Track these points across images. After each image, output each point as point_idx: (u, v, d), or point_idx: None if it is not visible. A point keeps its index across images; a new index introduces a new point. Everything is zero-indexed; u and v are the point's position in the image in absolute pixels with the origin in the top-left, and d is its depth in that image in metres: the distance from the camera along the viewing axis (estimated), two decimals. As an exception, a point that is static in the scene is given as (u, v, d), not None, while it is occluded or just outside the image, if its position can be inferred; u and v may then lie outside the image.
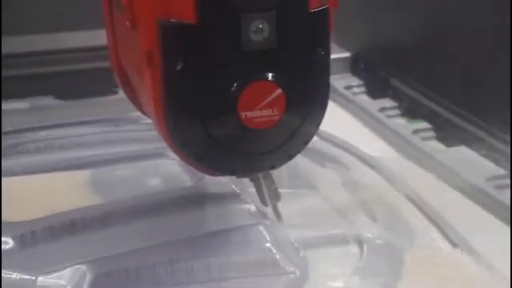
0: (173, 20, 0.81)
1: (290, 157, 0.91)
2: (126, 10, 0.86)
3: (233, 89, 0.83)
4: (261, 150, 0.89)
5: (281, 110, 0.84)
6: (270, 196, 0.95)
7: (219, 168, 0.93)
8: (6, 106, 1.34)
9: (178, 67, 0.83)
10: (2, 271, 0.95)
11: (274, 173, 0.95)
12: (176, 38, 0.83)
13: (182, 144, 0.88)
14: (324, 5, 0.85)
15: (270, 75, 0.84)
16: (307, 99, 0.88)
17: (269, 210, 0.99)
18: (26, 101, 1.34)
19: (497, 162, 1.18)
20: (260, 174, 0.94)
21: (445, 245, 1.04)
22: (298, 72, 0.86)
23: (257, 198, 1.00)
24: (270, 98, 0.84)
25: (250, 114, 0.84)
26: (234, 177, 0.98)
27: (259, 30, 0.82)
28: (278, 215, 0.98)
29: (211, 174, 0.97)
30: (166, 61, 0.83)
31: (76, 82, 1.35)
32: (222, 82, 0.83)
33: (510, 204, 1.06)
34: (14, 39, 1.42)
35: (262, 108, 0.84)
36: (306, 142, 0.91)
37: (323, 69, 0.89)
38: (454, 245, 1.03)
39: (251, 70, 0.84)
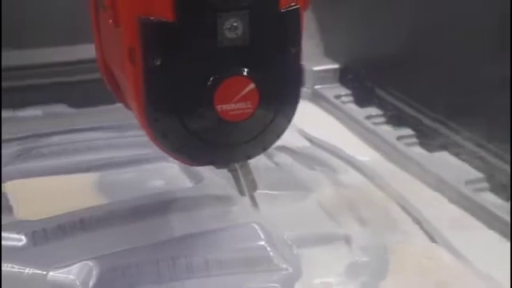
0: (152, 18, 0.80)
1: (265, 148, 0.90)
2: (109, 9, 0.85)
3: (209, 83, 0.82)
4: (236, 141, 0.88)
5: (254, 103, 0.84)
6: (247, 186, 0.94)
7: (197, 159, 0.92)
8: (22, 113, 1.34)
9: (157, 63, 0.82)
10: (16, 267, 0.95)
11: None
12: (155, 35, 0.82)
13: (162, 136, 0.87)
14: (295, 5, 0.84)
15: (243, 70, 0.83)
16: (279, 94, 0.87)
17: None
18: (40, 108, 1.34)
19: (475, 167, 1.17)
20: (237, 165, 0.93)
21: (426, 242, 1.03)
22: (270, 68, 0.85)
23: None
24: (243, 92, 0.83)
25: (225, 107, 0.83)
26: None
27: (233, 27, 0.81)
28: (255, 204, 0.96)
29: (190, 165, 0.96)
30: (146, 57, 0.82)
31: (86, 91, 1.34)
32: (199, 77, 0.83)
33: (489, 207, 1.06)
34: (30, 52, 1.42)
35: (236, 101, 0.83)
36: (279, 135, 0.90)
37: (294, 66, 0.88)
38: (435, 242, 1.03)
39: (226, 65, 0.83)
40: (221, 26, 0.81)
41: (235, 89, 0.83)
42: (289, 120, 0.89)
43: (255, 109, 0.84)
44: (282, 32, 0.84)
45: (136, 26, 0.81)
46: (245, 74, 0.83)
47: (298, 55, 0.87)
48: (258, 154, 0.90)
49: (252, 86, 0.83)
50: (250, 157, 0.91)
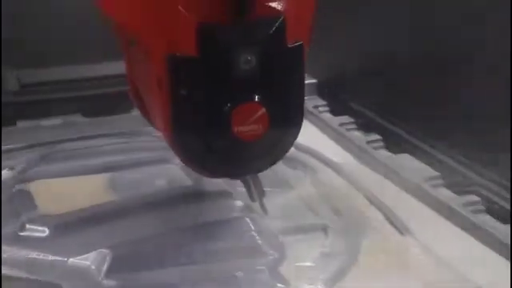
0: (178, 54, 0.80)
1: (273, 163, 0.90)
2: (142, 45, 0.86)
3: (226, 109, 0.82)
4: (249, 157, 0.87)
5: (265, 125, 0.83)
6: (257, 193, 0.94)
7: (216, 172, 0.92)
8: (43, 122, 1.33)
9: (183, 92, 0.82)
10: (41, 254, 0.95)
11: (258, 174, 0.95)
12: (181, 68, 0.82)
13: (186, 153, 0.87)
14: (299, 41, 0.84)
15: (256, 97, 0.83)
16: (286, 117, 0.86)
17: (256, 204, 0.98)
18: (59, 118, 1.33)
19: (432, 166, 1.18)
20: (249, 176, 0.93)
21: (391, 231, 1.03)
22: (279, 95, 0.85)
23: (244, 196, 0.98)
24: (256, 116, 0.83)
25: (240, 128, 0.82)
26: (227, 178, 0.98)
27: (247, 61, 0.81)
28: (265, 209, 0.96)
29: (210, 177, 0.96)
30: (173, 87, 0.82)
31: (98, 103, 1.34)
32: (218, 104, 0.82)
33: (445, 200, 1.06)
34: (51, 69, 1.42)
35: (249, 124, 0.83)
36: (286, 151, 0.90)
37: (299, 94, 0.88)
38: (399, 231, 1.03)
39: (241, 93, 0.82)
40: (237, 60, 0.80)
41: (249, 113, 0.82)
42: (294, 138, 0.89)
43: (265, 130, 0.83)
44: (288, 64, 0.84)
45: (164, 59, 0.81)
46: (257, 100, 0.83)
47: (302, 84, 0.87)
48: (267, 168, 0.90)
49: (263, 110, 0.83)
50: (260, 170, 0.91)
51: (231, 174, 0.94)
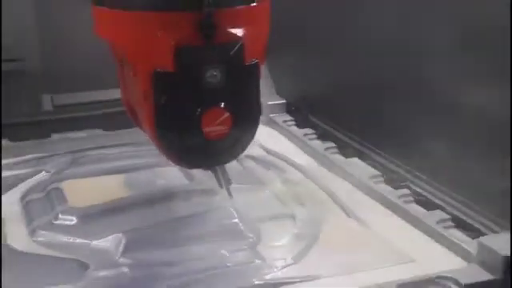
0: (158, 69, 0.81)
1: (235, 157, 0.90)
2: (130, 66, 0.86)
3: (197, 113, 0.82)
4: (216, 152, 0.87)
5: (228, 126, 0.83)
6: (224, 181, 0.93)
7: (190, 164, 0.92)
8: (73, 135, 1.32)
9: (163, 101, 0.82)
10: (71, 238, 0.96)
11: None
12: (161, 80, 0.82)
13: (167, 149, 0.87)
14: (255, 60, 0.84)
15: (221, 104, 0.83)
16: (245, 120, 0.86)
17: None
18: (84, 132, 1.33)
19: (375, 167, 1.17)
20: (217, 167, 0.92)
21: (344, 217, 1.03)
22: (239, 102, 0.84)
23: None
24: (221, 119, 0.83)
25: (209, 129, 0.82)
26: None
27: (214, 76, 0.81)
28: (230, 194, 0.94)
29: (186, 167, 0.98)
30: (155, 96, 0.82)
31: (114, 120, 1.33)
32: (191, 109, 0.82)
33: (384, 193, 1.06)
34: (77, 94, 1.41)
35: (216, 125, 0.83)
36: (244, 148, 0.89)
37: (255, 101, 0.88)
38: (351, 218, 1.03)
39: (209, 101, 0.82)
40: (205, 74, 0.80)
41: (215, 117, 0.82)
42: (251, 138, 0.89)
43: (229, 130, 0.83)
44: (246, 78, 0.84)
45: (148, 75, 0.81)
46: (222, 106, 0.82)
47: (257, 94, 0.87)
48: (230, 160, 0.90)
49: (226, 114, 0.82)
50: (225, 162, 0.90)
51: (202, 166, 0.93)
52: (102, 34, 0.88)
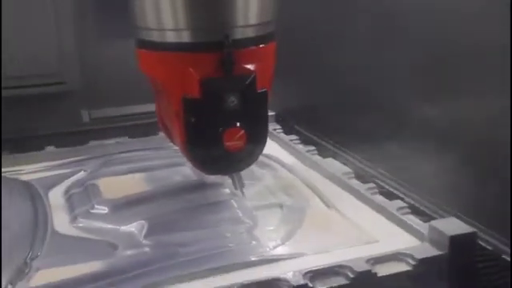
0: (188, 96, 0.81)
1: (249, 165, 0.90)
2: (165, 91, 0.86)
3: (220, 130, 0.82)
4: (235, 160, 0.87)
5: (244, 141, 0.84)
6: (239, 184, 0.94)
7: (213, 171, 0.93)
8: (105, 141, 1.30)
9: (192, 120, 0.83)
10: (104, 224, 0.95)
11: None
12: (191, 105, 0.82)
13: (195, 159, 0.88)
14: (264, 88, 0.84)
15: (238, 124, 0.83)
16: (256, 136, 0.87)
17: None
18: (113, 139, 1.32)
19: (347, 165, 1.16)
20: (234, 173, 0.93)
21: (322, 206, 1.02)
22: (252, 122, 0.85)
23: (231, 186, 0.98)
24: (238, 135, 0.83)
25: (229, 143, 0.83)
26: (219, 176, 0.99)
27: (232, 101, 0.82)
28: (243, 194, 0.96)
29: (210, 174, 0.97)
30: (186, 117, 0.83)
31: (139, 129, 1.33)
32: (215, 127, 0.82)
33: (355, 186, 1.05)
34: (109, 108, 1.42)
35: (234, 140, 0.83)
36: (257, 157, 0.90)
37: (265, 121, 0.88)
38: (327, 206, 1.02)
39: (229, 121, 0.83)
40: (226, 100, 0.81)
41: (234, 134, 0.83)
42: (261, 151, 0.90)
43: (244, 144, 0.84)
44: (257, 103, 0.85)
45: (180, 100, 0.82)
46: (239, 125, 0.83)
47: (266, 115, 0.88)
48: (244, 168, 0.91)
49: (242, 132, 0.83)
50: (240, 170, 0.92)
51: (223, 172, 0.94)
52: (144, 71, 0.89)
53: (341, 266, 0.78)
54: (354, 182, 1.07)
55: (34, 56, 1.27)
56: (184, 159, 0.90)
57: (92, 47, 1.35)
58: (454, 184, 0.99)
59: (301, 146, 1.26)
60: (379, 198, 1.01)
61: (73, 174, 1.15)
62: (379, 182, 1.12)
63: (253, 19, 0.83)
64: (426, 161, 1.04)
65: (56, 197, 1.05)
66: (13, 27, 1.23)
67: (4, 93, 1.26)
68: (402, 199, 1.03)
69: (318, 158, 1.20)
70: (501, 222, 0.91)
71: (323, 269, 0.78)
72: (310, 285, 0.76)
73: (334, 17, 1.26)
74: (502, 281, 0.86)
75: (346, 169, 1.13)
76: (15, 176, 1.14)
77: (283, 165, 1.18)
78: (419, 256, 0.81)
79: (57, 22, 1.28)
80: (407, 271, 0.80)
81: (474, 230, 0.83)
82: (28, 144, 1.25)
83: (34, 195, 1.05)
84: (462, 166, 0.97)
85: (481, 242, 0.92)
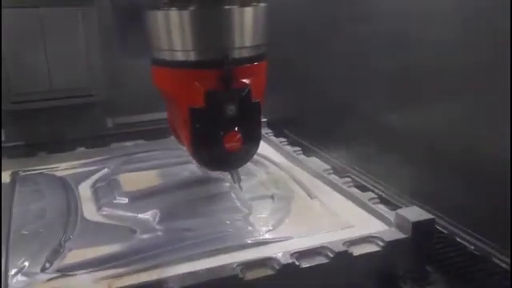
0: (194, 105, 0.80)
1: (246, 162, 0.89)
2: (175, 102, 0.85)
3: (221, 134, 0.81)
4: (233, 159, 0.86)
5: (241, 143, 0.83)
6: (237, 179, 0.92)
7: (216, 168, 0.91)
8: (126, 144, 1.28)
9: (197, 126, 0.81)
10: (124, 212, 0.94)
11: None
12: (196, 114, 0.81)
13: (200, 158, 0.86)
14: (257, 99, 0.84)
15: (236, 128, 0.82)
16: (251, 138, 0.85)
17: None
18: (133, 142, 1.30)
19: (327, 163, 1.15)
20: (233, 170, 0.92)
21: (306, 197, 1.01)
22: (248, 127, 0.84)
23: (230, 180, 0.97)
24: (236, 138, 0.82)
25: (228, 144, 0.82)
26: (221, 173, 0.99)
27: (231, 109, 0.81)
28: (241, 188, 0.94)
29: (213, 170, 0.96)
30: (192, 123, 0.81)
31: (155, 133, 1.31)
32: (216, 131, 0.82)
33: (334, 180, 1.04)
34: (129, 116, 1.39)
35: (233, 142, 0.82)
36: (252, 156, 0.89)
37: (258, 126, 0.87)
38: (310, 197, 1.00)
39: (229, 126, 0.82)
40: (225, 108, 0.80)
41: (232, 137, 0.82)
42: (255, 151, 0.88)
43: (241, 146, 0.83)
44: (252, 111, 0.84)
45: (187, 109, 0.81)
46: (236, 130, 0.82)
47: (259, 121, 0.87)
48: (242, 165, 0.90)
49: (239, 135, 0.82)
50: (238, 167, 0.90)
51: (223, 169, 0.93)
52: (157, 85, 0.88)
53: (322, 248, 0.78)
54: (333, 177, 1.06)
55: (68, 74, 1.27)
56: (191, 158, 0.89)
57: (115, 66, 1.34)
58: (416, 178, 0.98)
59: (288, 147, 1.25)
60: (354, 190, 1.00)
61: (98, 170, 1.13)
62: (354, 176, 1.11)
63: (248, 42, 0.82)
64: (392, 159, 1.03)
65: (85, 189, 1.04)
66: (52, 51, 1.23)
67: (43, 104, 1.26)
68: (372, 191, 1.02)
69: (302, 157, 1.19)
70: (455, 210, 0.91)
71: (307, 250, 0.78)
72: (297, 263, 0.75)
73: (314, 39, 1.25)
74: (460, 259, 0.86)
75: (326, 166, 1.12)
76: (52, 172, 1.13)
77: (274, 163, 1.17)
78: (387, 239, 0.80)
79: (87, 46, 1.27)
80: (377, 251, 0.80)
81: (433, 216, 0.82)
82: (62, 146, 1.24)
83: (66, 188, 1.04)
84: (422, 163, 0.97)
85: (438, 227, 0.91)
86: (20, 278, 0.75)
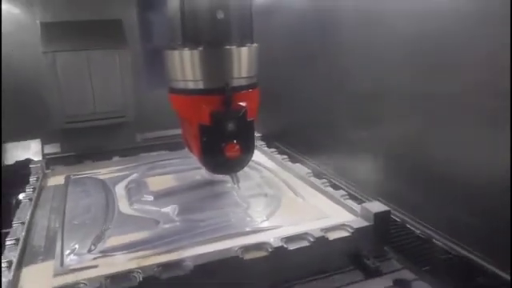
0: (202, 123, 0.80)
1: (243, 167, 0.89)
2: (187, 120, 0.85)
3: (223, 145, 0.81)
4: (234, 164, 0.86)
5: (239, 151, 0.82)
6: (237, 180, 0.93)
7: (219, 171, 0.91)
8: (150, 153, 1.28)
9: (205, 139, 0.81)
10: (150, 207, 0.93)
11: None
12: (204, 129, 0.81)
13: (207, 165, 0.86)
14: (252, 118, 0.84)
15: (235, 140, 0.82)
16: (247, 149, 0.85)
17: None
18: (156, 152, 1.30)
19: (309, 168, 1.14)
20: (233, 173, 0.92)
21: (292, 195, 1.00)
22: (244, 139, 0.84)
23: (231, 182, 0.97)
24: (235, 148, 0.82)
25: (229, 153, 0.82)
26: (225, 176, 0.97)
27: (231, 127, 0.81)
28: (240, 187, 0.95)
29: (218, 174, 0.95)
30: (201, 138, 0.81)
31: (172, 145, 1.31)
32: (219, 143, 0.81)
33: (316, 182, 1.03)
34: (152, 132, 1.40)
35: (233, 151, 0.82)
36: (246, 164, 0.88)
37: (253, 139, 0.87)
38: (297, 195, 0.99)
39: (229, 139, 0.81)
40: (227, 126, 0.80)
41: (232, 147, 0.82)
42: (250, 159, 0.88)
43: (239, 154, 0.82)
44: (247, 127, 0.83)
45: (197, 126, 0.81)
46: (235, 141, 0.82)
47: (253, 135, 0.86)
48: (240, 170, 0.89)
49: (238, 146, 0.82)
50: (237, 171, 0.90)
51: (225, 173, 0.93)
52: (174, 108, 0.88)
53: (305, 233, 0.78)
54: (313, 179, 1.06)
55: (107, 100, 1.31)
56: (200, 165, 0.89)
57: (143, 92, 1.37)
58: (379, 180, 0.99)
59: (278, 156, 1.25)
60: (329, 189, 0.99)
61: (130, 174, 1.13)
62: (329, 178, 1.11)
63: (244, 74, 0.83)
64: (361, 165, 1.04)
65: (120, 189, 1.04)
66: (96, 83, 1.28)
67: (89, 124, 1.30)
68: (343, 189, 1.02)
69: (289, 163, 1.18)
70: (406, 205, 0.92)
71: (293, 235, 0.78)
72: (285, 246, 0.76)
73: (296, 74, 1.25)
74: (409, 240, 0.87)
75: (308, 170, 1.12)
76: (95, 176, 1.13)
77: (266, 168, 1.16)
78: (355, 226, 0.81)
79: (122, 79, 1.31)
80: (348, 236, 0.80)
81: (389, 209, 0.83)
82: (103, 155, 1.25)
83: (106, 188, 1.04)
84: (385, 170, 0.97)
85: (393, 216, 0.92)
86: (72, 257, 0.77)
